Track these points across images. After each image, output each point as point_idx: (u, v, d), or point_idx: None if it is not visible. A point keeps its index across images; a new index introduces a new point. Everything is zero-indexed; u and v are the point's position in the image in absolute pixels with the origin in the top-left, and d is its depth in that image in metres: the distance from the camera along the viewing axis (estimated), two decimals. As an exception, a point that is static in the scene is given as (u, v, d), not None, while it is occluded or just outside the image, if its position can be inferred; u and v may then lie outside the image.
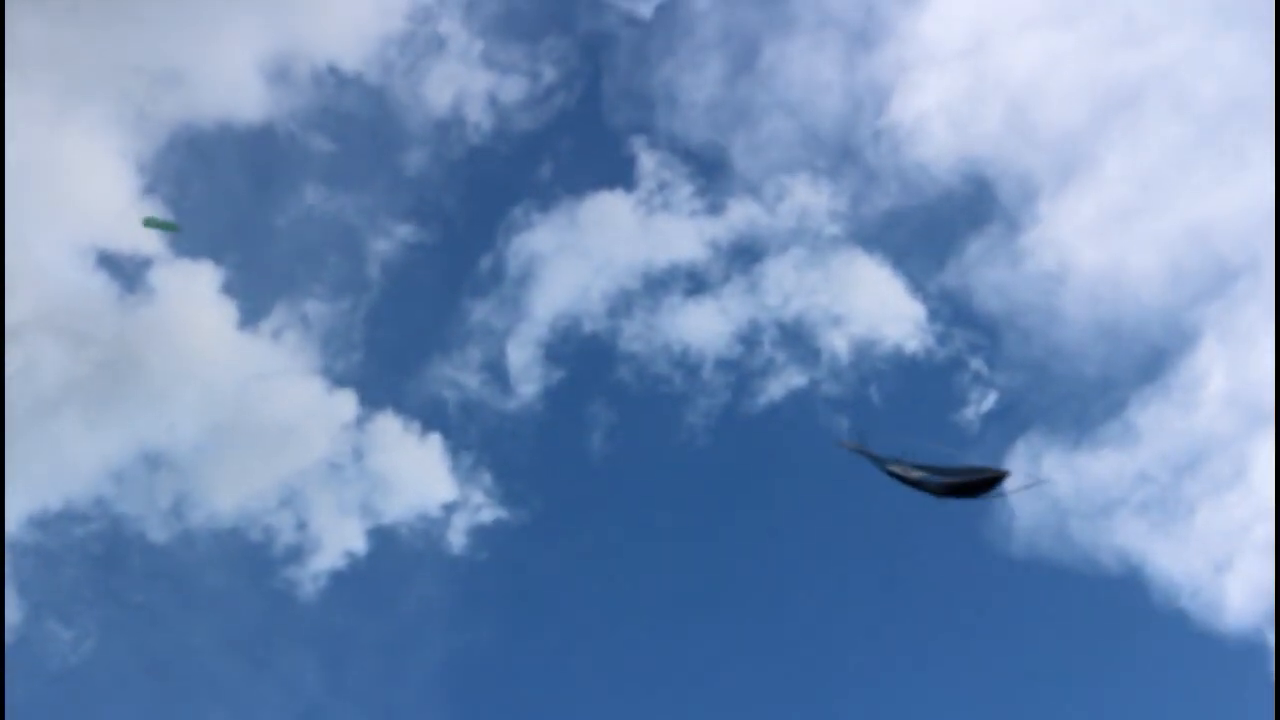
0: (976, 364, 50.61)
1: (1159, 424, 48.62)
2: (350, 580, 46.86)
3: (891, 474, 32.69)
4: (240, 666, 45.44)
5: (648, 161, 53.26)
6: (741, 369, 50.58)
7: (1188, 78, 51.99)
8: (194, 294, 48.11)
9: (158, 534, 46.46)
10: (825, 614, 47.59)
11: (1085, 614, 47.37)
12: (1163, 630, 46.00)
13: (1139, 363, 49.70)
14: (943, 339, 50.97)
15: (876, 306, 50.06)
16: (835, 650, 46.86)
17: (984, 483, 31.10)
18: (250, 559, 46.89)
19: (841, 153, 53.58)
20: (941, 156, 52.97)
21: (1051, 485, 44.70)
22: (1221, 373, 48.51)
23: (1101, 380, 49.85)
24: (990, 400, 49.96)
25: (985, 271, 51.86)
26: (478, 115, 52.68)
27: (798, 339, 50.85)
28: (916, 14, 54.60)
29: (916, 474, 31.95)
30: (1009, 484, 31.43)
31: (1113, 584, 46.55)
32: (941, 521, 48.95)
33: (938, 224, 52.75)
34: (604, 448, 49.81)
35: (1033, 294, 51.33)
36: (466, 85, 52.66)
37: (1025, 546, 47.20)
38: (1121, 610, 46.78)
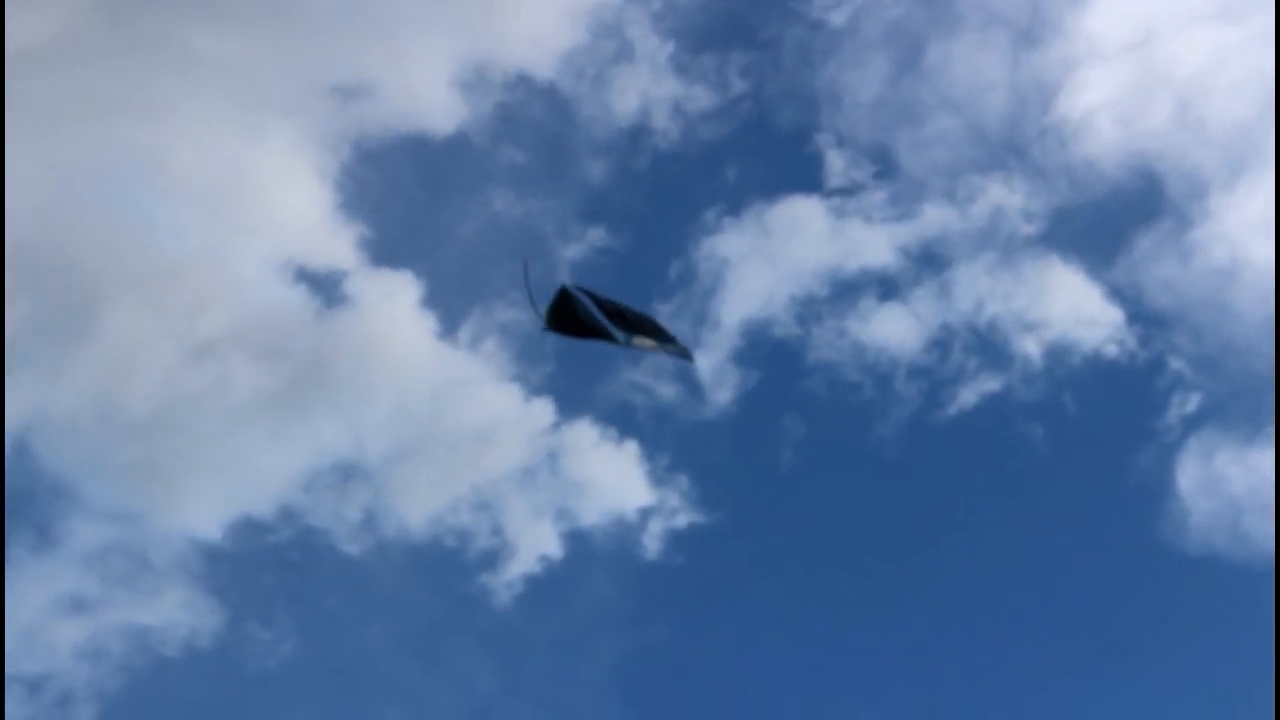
0: (1178, 364, 50.60)
1: (1335, 420, 48.81)
2: (545, 584, 47.69)
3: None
4: (434, 668, 46.44)
5: (835, 163, 53.29)
6: (933, 376, 50.96)
7: (1360, 69, 51.75)
8: (391, 304, 48.71)
9: (350, 543, 47.28)
10: (1004, 617, 47.94)
11: (1263, 611, 47.91)
12: (1344, 627, 46.51)
13: (1313, 358, 49.84)
14: (1144, 341, 51.08)
15: (1068, 309, 50.29)
16: (1013, 651, 47.34)
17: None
18: (444, 564, 47.66)
19: (1009, 150, 53.69)
20: (1109, 153, 52.88)
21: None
22: (1398, 367, 48.57)
23: (1274, 376, 50.02)
24: (1194, 403, 50.00)
25: (1155, 268, 51.94)
26: (665, 122, 52.96)
27: (990, 344, 51.09)
28: (1081, 10, 54.12)
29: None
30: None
31: (1291, 581, 47.07)
32: (1115, 520, 49.67)
33: (1107, 221, 52.84)
34: (795, 455, 50.26)
35: (1204, 290, 51.28)
36: (653, 92, 52.98)
37: (1200, 545, 47.56)
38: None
